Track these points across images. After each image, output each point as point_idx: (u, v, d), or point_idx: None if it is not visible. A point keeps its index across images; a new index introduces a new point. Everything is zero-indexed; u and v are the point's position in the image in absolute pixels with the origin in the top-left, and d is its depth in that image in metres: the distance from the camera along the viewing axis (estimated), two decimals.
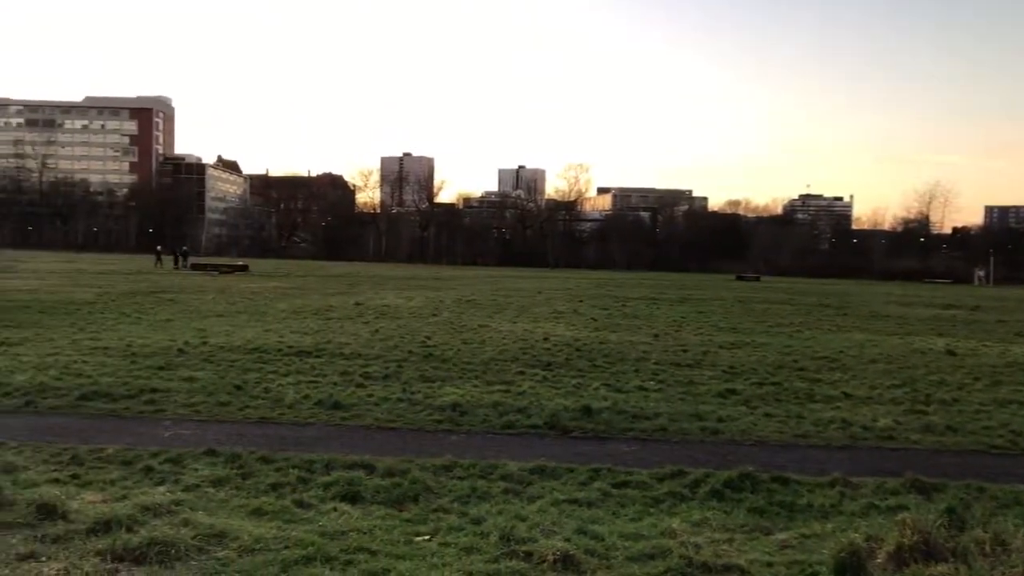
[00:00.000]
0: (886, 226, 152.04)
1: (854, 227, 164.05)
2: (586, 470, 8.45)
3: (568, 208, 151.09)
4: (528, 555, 5.64)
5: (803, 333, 25.16)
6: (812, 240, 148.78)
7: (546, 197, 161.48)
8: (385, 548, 5.83)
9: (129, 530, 5.42)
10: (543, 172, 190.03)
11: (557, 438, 10.31)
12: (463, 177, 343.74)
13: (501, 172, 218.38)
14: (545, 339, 20.60)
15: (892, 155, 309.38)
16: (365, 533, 6.13)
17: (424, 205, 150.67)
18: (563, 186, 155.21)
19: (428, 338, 19.93)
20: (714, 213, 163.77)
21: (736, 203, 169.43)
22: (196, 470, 8.12)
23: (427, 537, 6.14)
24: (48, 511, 5.97)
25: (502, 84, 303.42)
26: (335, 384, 13.25)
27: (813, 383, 14.85)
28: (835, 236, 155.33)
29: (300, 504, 6.90)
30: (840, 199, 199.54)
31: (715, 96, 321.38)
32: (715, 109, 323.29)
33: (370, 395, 12.39)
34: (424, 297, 36.30)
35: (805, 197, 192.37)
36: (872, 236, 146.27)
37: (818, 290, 63.51)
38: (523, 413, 11.39)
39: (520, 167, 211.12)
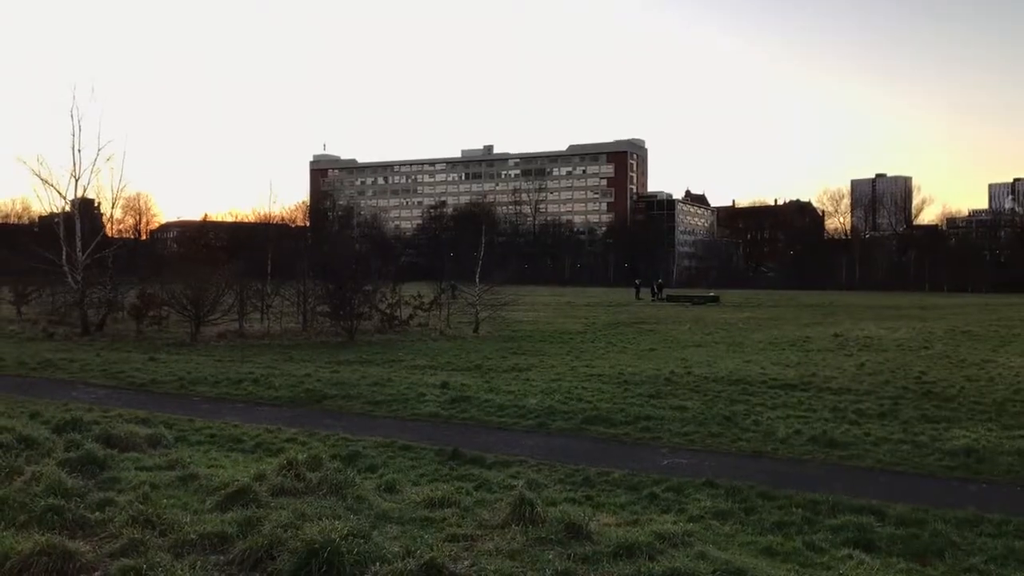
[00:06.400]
0: None
1: None
2: None
3: None
4: None
5: None
6: None
7: None
8: None
9: (651, 558, 5.56)
10: None
11: None
12: (947, 195, 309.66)
13: (992, 188, 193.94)
14: None
15: None
16: None
17: (902, 228, 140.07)
18: None
19: (923, 373, 18.21)
20: None
21: None
22: (698, 500, 8.27)
23: None
24: (574, 530, 6.38)
25: (986, 89, 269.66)
26: (827, 420, 12.67)
27: None
28: None
29: (811, 547, 6.62)
30: None
31: None
32: None
33: (867, 434, 11.63)
34: (910, 327, 33.39)
35: None
36: None
37: None
38: None
39: (1016, 180, 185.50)
